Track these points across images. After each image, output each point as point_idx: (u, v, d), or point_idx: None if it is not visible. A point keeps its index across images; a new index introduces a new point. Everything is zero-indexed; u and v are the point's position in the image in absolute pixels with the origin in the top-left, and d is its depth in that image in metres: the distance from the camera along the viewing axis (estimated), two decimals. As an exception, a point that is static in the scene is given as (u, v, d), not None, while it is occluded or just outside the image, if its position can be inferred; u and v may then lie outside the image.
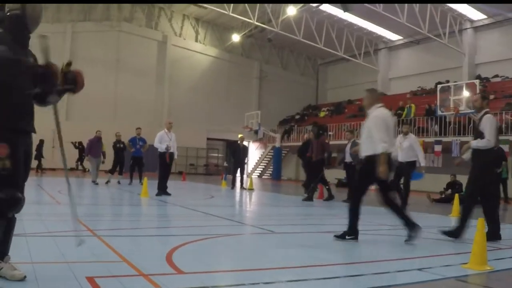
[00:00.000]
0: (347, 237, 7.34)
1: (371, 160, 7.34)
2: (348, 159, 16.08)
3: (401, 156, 13.16)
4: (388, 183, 7.73)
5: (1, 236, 3.69)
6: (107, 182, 19.62)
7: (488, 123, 7.75)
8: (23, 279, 3.77)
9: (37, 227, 6.97)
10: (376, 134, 7.49)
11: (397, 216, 7.69)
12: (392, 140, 7.88)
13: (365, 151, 7.61)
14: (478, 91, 21.80)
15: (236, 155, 21.35)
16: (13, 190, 3.70)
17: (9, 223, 3.74)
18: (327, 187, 16.44)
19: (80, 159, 30.16)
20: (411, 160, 13.74)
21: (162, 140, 14.79)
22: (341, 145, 17.26)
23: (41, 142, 27.86)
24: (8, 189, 3.68)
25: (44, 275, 4.09)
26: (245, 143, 22.57)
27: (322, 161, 15.87)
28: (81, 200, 13.14)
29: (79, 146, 29.56)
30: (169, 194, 14.62)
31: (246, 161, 22.66)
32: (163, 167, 15.05)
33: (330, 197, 16.14)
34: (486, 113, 7.94)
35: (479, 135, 7.81)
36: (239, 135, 22.77)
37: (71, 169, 30.45)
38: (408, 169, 13.71)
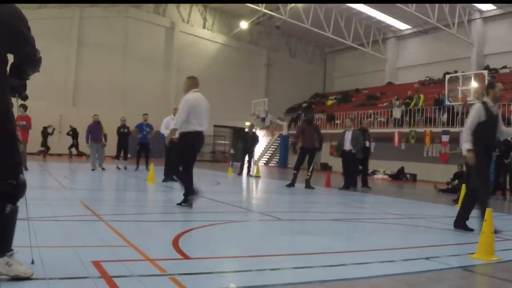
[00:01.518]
0: (188, 198, 8.69)
1: (183, 135, 8.89)
2: (347, 147, 16.05)
3: None
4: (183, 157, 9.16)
5: (11, 226, 3.64)
6: (117, 168, 19.80)
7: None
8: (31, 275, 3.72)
9: (43, 211, 6.98)
10: (178, 113, 8.88)
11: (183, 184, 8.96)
12: (201, 120, 8.89)
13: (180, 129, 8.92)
14: (486, 82, 21.69)
15: (245, 142, 21.44)
16: (22, 174, 3.70)
17: (14, 215, 3.67)
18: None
19: (73, 145, 29.88)
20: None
21: (168, 126, 14.77)
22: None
23: (45, 128, 27.92)
24: (21, 173, 3.68)
25: (50, 260, 4.09)
26: (254, 130, 22.58)
27: (315, 149, 15.79)
28: (87, 185, 13.20)
29: (70, 132, 29.38)
30: (175, 180, 14.63)
31: (254, 149, 22.57)
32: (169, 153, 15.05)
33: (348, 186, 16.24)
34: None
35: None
36: (247, 123, 22.76)
37: (65, 155, 30.41)
38: None
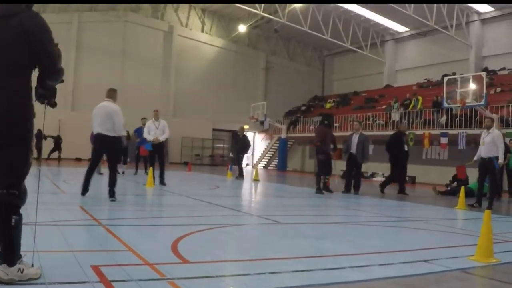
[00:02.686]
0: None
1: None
2: (354, 150, 15.98)
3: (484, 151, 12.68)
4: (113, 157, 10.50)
5: (19, 235, 3.67)
6: (122, 173, 19.86)
7: None
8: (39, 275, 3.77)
9: (42, 216, 6.97)
10: None
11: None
12: (96, 124, 10.64)
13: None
14: (485, 83, 21.69)
15: (236, 145, 21.55)
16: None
17: (20, 224, 3.71)
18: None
19: (54, 150, 29.53)
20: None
21: (149, 130, 14.89)
22: (347, 137, 17.06)
23: (39, 131, 27.74)
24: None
25: (49, 264, 4.09)
26: (248, 133, 22.68)
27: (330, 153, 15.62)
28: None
29: (46, 138, 29.01)
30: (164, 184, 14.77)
31: (245, 152, 22.53)
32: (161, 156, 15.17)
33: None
34: None
35: None
36: (245, 126, 22.81)
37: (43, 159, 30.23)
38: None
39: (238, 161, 22.07)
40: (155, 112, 15.19)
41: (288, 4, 35.92)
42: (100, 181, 16.08)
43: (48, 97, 3.89)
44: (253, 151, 46.07)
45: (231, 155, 31.20)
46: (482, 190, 12.86)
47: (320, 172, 15.70)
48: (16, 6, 3.62)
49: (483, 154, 12.57)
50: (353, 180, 16.24)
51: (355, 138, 16.06)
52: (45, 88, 3.83)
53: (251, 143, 23.76)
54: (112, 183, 9.93)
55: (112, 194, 9.87)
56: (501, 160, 12.42)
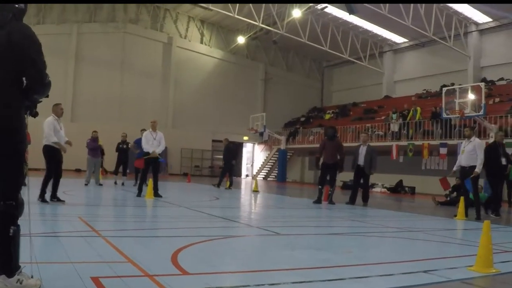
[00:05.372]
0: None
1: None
2: (361, 162, 16.08)
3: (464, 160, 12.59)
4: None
5: (17, 246, 3.68)
6: (115, 183, 19.83)
7: None
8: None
9: (42, 227, 6.98)
10: None
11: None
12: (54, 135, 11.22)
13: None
14: (483, 94, 21.74)
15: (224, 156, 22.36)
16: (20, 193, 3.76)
17: (18, 235, 3.72)
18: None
19: None
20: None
21: (147, 141, 14.73)
22: (346, 148, 17.09)
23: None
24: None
25: (48, 275, 4.09)
26: (248, 144, 22.91)
27: (336, 165, 15.58)
28: (85, 201, 13.21)
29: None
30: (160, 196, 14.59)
31: (232, 162, 22.81)
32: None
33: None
34: None
35: None
36: (245, 138, 22.98)
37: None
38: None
39: (223, 171, 22.64)
40: (152, 122, 15.09)
41: (286, 16, 36.03)
42: (101, 193, 16.11)
43: (31, 108, 3.89)
44: (252, 162, 46.09)
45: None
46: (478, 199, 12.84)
47: (318, 182, 16.02)
48: (3, 17, 3.64)
49: (464, 163, 12.52)
50: (362, 191, 16.48)
51: (363, 150, 16.18)
52: (31, 101, 3.82)
53: (236, 151, 24.05)
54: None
55: (41, 196, 10.81)
56: (477, 169, 12.25)
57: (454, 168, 13.08)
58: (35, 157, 10.44)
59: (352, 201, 16.02)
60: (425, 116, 29.66)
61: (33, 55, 3.67)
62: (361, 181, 16.53)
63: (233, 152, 22.46)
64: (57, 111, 11.21)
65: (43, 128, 10.99)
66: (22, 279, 3.62)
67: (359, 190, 16.63)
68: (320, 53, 43.03)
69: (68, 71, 35.91)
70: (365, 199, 16.35)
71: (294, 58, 49.36)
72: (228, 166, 22.50)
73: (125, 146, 20.42)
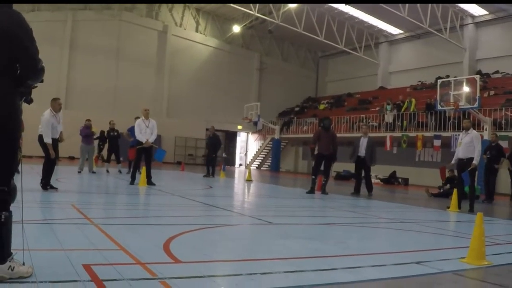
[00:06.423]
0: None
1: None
2: (362, 153, 16.29)
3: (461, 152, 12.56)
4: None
5: (9, 232, 3.66)
6: (107, 171, 19.82)
7: None
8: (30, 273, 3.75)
9: (34, 214, 6.95)
10: None
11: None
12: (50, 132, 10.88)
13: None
14: (478, 86, 21.75)
15: (208, 145, 22.42)
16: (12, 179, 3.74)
17: (10, 221, 3.69)
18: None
19: None
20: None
21: (140, 130, 14.67)
22: (340, 138, 17.15)
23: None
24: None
25: (40, 263, 4.07)
26: (241, 133, 22.75)
27: (331, 155, 15.61)
28: (78, 188, 13.19)
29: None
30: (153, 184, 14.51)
31: (216, 151, 22.69)
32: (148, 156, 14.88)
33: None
34: None
35: None
36: (239, 127, 22.89)
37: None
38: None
39: (211, 161, 22.36)
40: (145, 111, 15.06)
41: (282, 5, 35.97)
42: (94, 180, 16.08)
43: (26, 94, 3.86)
44: (246, 151, 46.09)
45: (224, 155, 31.22)
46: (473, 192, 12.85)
47: (312, 172, 16.08)
48: None
49: (461, 155, 12.51)
50: (365, 182, 16.75)
51: (364, 142, 16.45)
52: (25, 87, 3.79)
53: (222, 142, 23.89)
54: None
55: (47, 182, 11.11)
56: (475, 161, 12.29)
57: (453, 161, 13.09)
58: (27, 144, 10.40)
59: (357, 191, 16.28)
60: (419, 108, 29.70)
61: (26, 42, 3.64)
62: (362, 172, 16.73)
63: (214, 147, 22.16)
64: (55, 106, 11.11)
65: (41, 120, 10.90)
66: (14, 265, 3.61)
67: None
68: (316, 43, 42.92)
69: (63, 58, 35.69)
70: (370, 189, 16.66)
71: (289, 48, 49.26)
72: (210, 159, 22.42)
73: (115, 134, 20.38)
